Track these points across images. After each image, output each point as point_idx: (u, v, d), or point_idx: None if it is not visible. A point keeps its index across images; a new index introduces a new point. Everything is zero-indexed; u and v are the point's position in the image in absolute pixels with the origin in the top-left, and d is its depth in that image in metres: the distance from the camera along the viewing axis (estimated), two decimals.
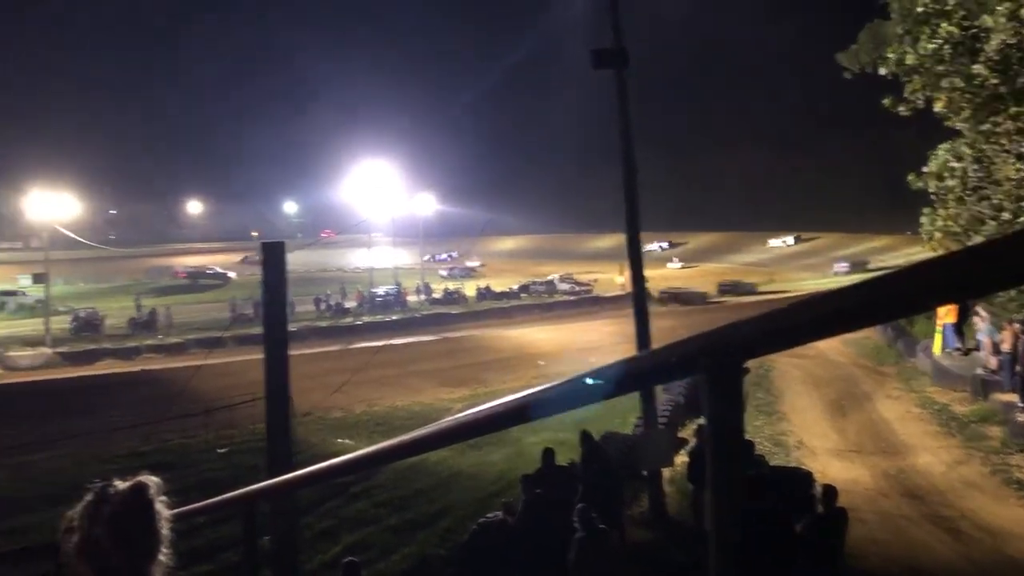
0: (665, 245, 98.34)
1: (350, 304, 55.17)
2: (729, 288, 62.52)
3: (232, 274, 72.92)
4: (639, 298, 13.84)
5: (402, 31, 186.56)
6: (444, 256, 72.30)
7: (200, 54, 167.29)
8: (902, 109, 13.81)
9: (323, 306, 53.67)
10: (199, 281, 72.89)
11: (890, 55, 13.62)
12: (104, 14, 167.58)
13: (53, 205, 55.60)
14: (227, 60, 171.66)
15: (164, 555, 1.71)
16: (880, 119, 16.64)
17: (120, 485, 1.72)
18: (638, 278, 13.76)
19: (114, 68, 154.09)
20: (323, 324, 46.82)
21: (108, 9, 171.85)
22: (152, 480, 1.75)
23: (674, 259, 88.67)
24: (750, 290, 61.84)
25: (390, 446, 2.91)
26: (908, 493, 13.18)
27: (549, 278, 66.50)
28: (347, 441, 19.30)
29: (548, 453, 10.92)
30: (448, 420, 2.53)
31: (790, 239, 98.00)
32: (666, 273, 73.51)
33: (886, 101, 14.05)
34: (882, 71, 14.01)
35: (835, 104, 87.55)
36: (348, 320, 49.25)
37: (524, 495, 9.93)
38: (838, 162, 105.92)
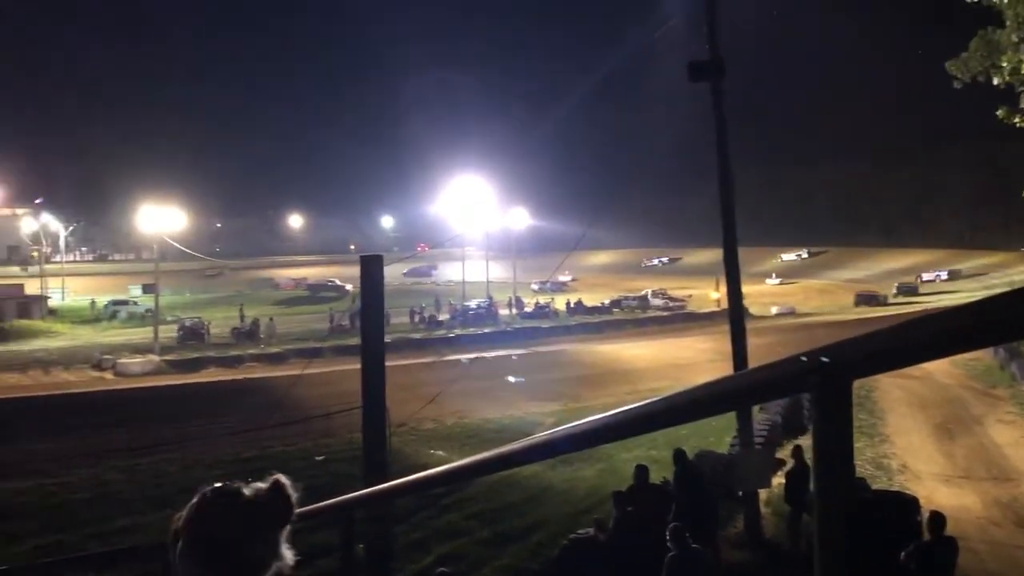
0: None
1: (443, 317, 55.87)
2: (865, 299, 63.38)
3: (349, 287, 74.20)
4: (735, 314, 13.57)
5: (497, 47, 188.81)
6: (548, 283, 72.49)
7: (301, 75, 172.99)
8: (1018, 121, 13.21)
9: (417, 318, 54.48)
10: (319, 293, 74.61)
11: (1004, 64, 13.05)
12: (214, 39, 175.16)
13: (163, 219, 58.29)
14: (327, 80, 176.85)
15: (285, 556, 1.72)
16: (992, 131, 15.95)
17: (257, 484, 1.75)
18: (735, 294, 13.50)
19: (219, 90, 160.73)
20: (417, 336, 47.51)
21: (217, 34, 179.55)
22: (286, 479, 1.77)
23: (772, 275, 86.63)
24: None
25: (485, 459, 2.93)
26: (1022, 522, 12.52)
27: (642, 293, 65.90)
28: (440, 452, 19.51)
29: (641, 470, 10.79)
30: (543, 434, 2.53)
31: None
32: (764, 289, 71.92)
33: (1000, 112, 13.46)
34: (995, 81, 13.43)
35: (943, 115, 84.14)
36: (441, 332, 49.85)
37: (616, 512, 9.83)
38: (945, 175, 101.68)
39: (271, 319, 50.97)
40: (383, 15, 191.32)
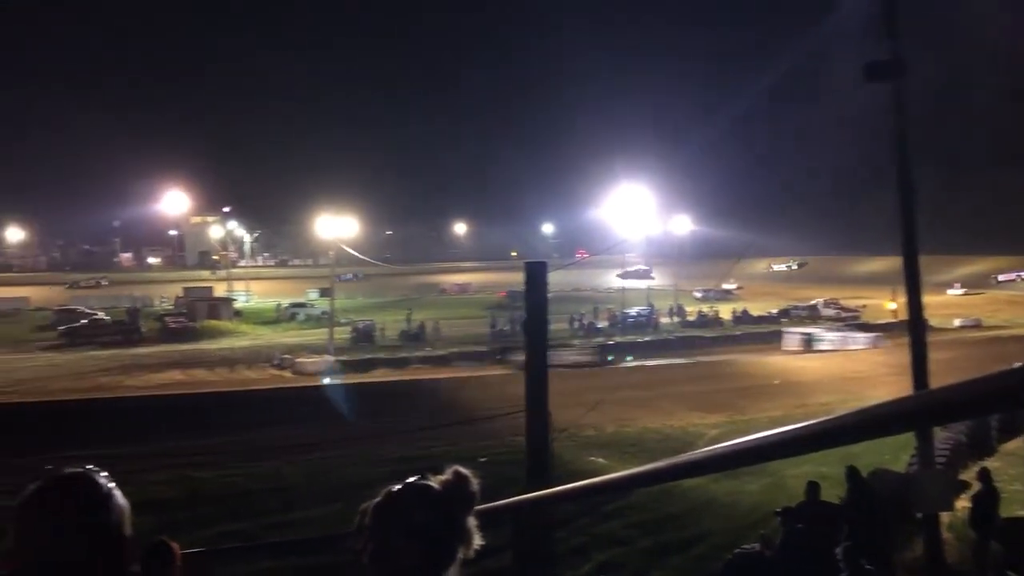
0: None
1: (602, 324, 55.75)
2: None
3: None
4: (916, 326, 12.78)
5: (659, 52, 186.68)
6: (712, 291, 70.01)
7: (468, 88, 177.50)
8: None
9: (576, 325, 54.63)
10: (517, 302, 75.88)
11: None
12: (384, 54, 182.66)
13: (338, 227, 61.43)
14: (493, 91, 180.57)
15: (471, 542, 1.80)
16: None
17: (441, 476, 1.84)
18: (915, 304, 12.72)
19: (390, 103, 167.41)
20: (575, 343, 47.67)
21: (389, 49, 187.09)
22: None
23: (956, 285, 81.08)
24: None
25: (651, 470, 2.89)
26: None
27: (812, 303, 63.28)
28: (599, 459, 19.46)
29: (813, 487, 10.37)
30: (710, 448, 2.47)
31: None
32: (946, 300, 67.48)
33: None
34: None
35: None
36: (600, 340, 49.77)
37: (784, 529, 9.49)
38: None
39: (436, 322, 52.50)
40: (545, 25, 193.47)
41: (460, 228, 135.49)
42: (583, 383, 27.83)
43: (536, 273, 8.06)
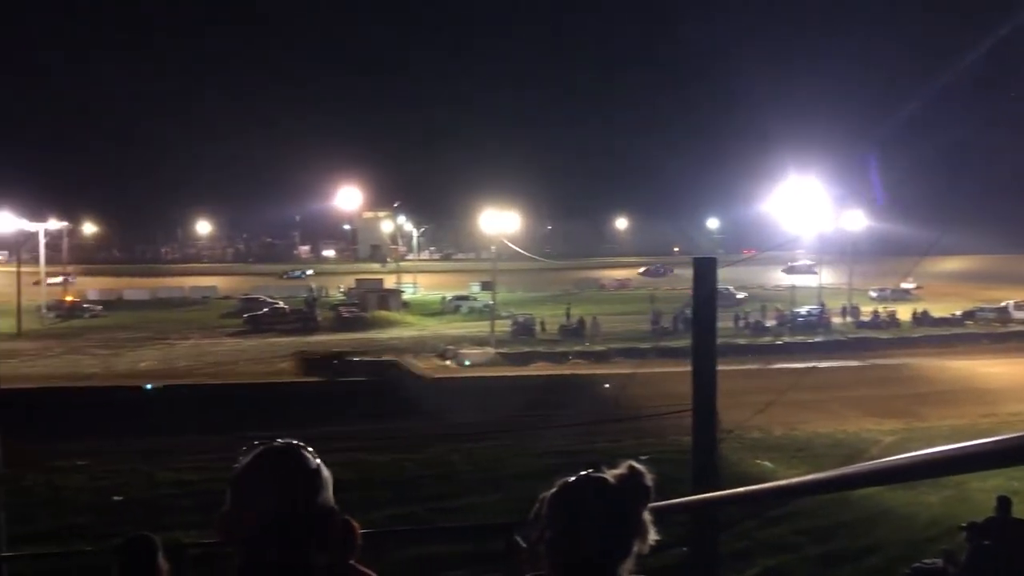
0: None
1: (770, 323, 53.95)
2: None
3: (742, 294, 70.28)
4: None
5: (834, 35, 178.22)
6: (888, 290, 65.75)
7: (629, 80, 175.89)
8: None
9: (741, 323, 53.10)
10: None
11: None
12: (542, 49, 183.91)
13: (501, 222, 62.53)
14: (655, 83, 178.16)
15: (647, 536, 1.82)
16: None
17: (615, 470, 1.87)
18: None
19: (551, 99, 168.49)
20: (741, 341, 46.30)
21: (548, 47, 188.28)
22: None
23: None
24: None
25: (823, 479, 2.79)
26: None
27: (1002, 304, 58.68)
28: (766, 463, 18.91)
29: (1004, 502, 9.65)
30: (891, 459, 2.34)
31: None
32: None
33: None
34: None
35: None
36: (767, 339, 48.19)
37: (970, 545, 8.90)
38: None
39: (594, 318, 52.45)
40: (711, 13, 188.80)
41: (621, 223, 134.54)
42: (750, 383, 27.05)
43: (705, 269, 7.92)
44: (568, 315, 55.32)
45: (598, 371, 35.29)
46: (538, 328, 52.42)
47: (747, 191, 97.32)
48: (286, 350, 45.98)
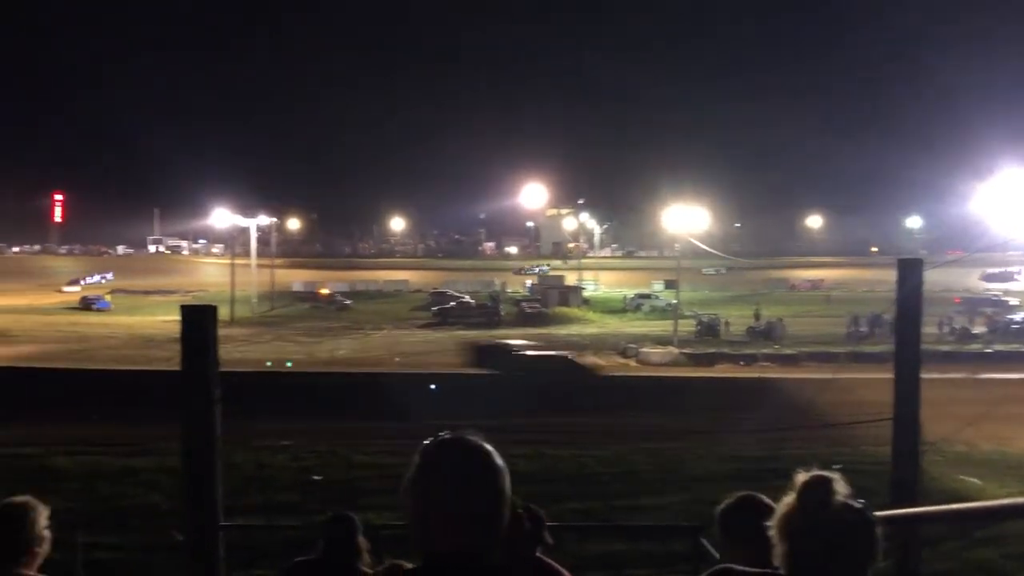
0: None
1: (978, 330, 49.94)
2: None
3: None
4: None
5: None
6: None
7: (820, 70, 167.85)
8: None
9: (946, 329, 49.45)
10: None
11: None
12: (734, 44, 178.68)
13: (685, 219, 61.39)
14: (849, 72, 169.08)
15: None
16: None
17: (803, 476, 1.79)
18: None
19: (738, 95, 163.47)
20: (945, 348, 43.11)
21: (737, 38, 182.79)
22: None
23: None
24: None
25: None
26: None
27: None
28: (973, 480, 17.53)
29: None
30: None
31: None
32: None
33: None
34: None
35: None
36: (975, 347, 44.63)
37: None
38: None
39: (780, 319, 50.52)
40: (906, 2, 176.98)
41: (814, 221, 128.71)
42: (955, 393, 25.15)
43: (910, 271, 7.48)
44: (756, 316, 53.60)
45: (787, 375, 33.94)
46: (723, 329, 51.14)
47: (952, 188, 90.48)
48: (476, 343, 47.34)
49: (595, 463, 17.99)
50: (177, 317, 5.22)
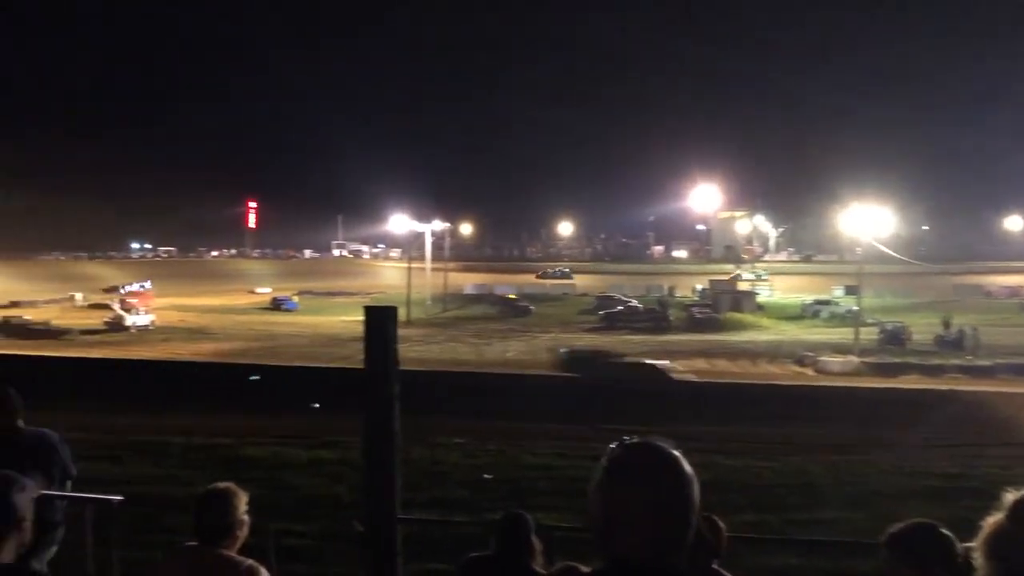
0: None
1: None
2: None
3: None
4: None
5: None
6: None
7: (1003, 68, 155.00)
8: None
9: None
10: None
11: None
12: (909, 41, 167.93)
13: (868, 221, 58.19)
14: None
15: None
16: None
17: None
18: None
19: (922, 92, 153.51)
20: None
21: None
22: None
23: None
24: None
25: None
26: None
27: None
28: None
29: None
30: None
31: None
32: None
33: None
34: None
35: None
36: None
37: None
38: None
39: (974, 328, 46.98)
40: None
41: (1015, 223, 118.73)
42: None
43: None
44: (946, 324, 50.12)
45: (981, 388, 31.53)
46: (909, 337, 48.16)
47: None
48: (637, 348, 46.98)
49: (771, 474, 17.37)
50: (358, 317, 5.45)
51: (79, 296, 76.77)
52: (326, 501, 10.10)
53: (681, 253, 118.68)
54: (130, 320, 58.08)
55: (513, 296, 74.29)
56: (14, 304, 68.78)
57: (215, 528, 3.17)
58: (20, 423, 4.87)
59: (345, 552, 7.29)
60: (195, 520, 3.23)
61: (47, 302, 72.92)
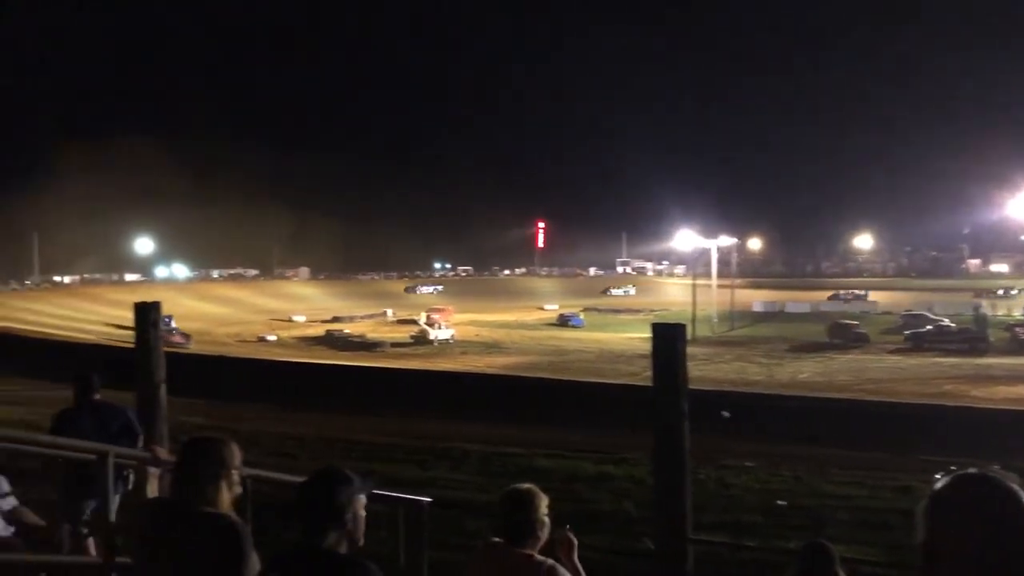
0: None
1: None
2: None
3: None
4: None
5: None
6: None
7: None
8: None
9: None
10: None
11: None
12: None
13: None
14: None
15: None
16: None
17: None
18: None
19: None
20: None
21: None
22: None
23: None
24: None
25: None
26: None
27: None
28: None
29: None
30: None
31: None
32: None
33: None
34: None
35: None
36: None
37: None
38: None
39: None
40: None
41: None
42: None
43: None
44: None
45: None
46: None
47: None
48: (950, 372, 42.85)
49: None
50: (642, 334, 5.48)
51: (390, 312, 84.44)
52: (614, 516, 10.19)
53: (1001, 267, 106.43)
54: (433, 334, 62.96)
55: (852, 321, 63.36)
56: (336, 319, 77.89)
57: (519, 526, 3.31)
58: (97, 397, 6.63)
59: (634, 568, 7.31)
60: (500, 518, 3.39)
61: (363, 317, 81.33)
